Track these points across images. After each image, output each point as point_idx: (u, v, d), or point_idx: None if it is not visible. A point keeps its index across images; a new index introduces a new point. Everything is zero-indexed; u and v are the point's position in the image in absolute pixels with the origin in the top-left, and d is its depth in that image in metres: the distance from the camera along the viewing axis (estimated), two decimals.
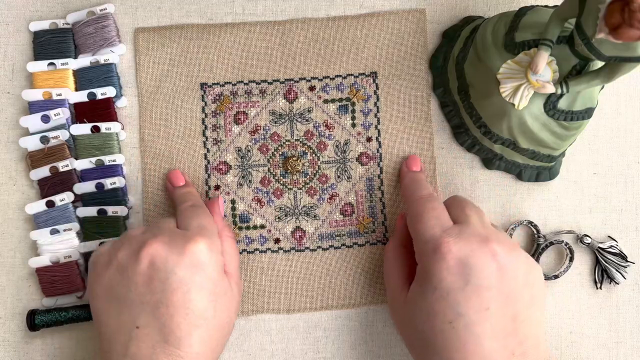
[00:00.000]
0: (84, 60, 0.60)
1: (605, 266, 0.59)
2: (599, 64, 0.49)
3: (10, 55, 0.61)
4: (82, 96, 0.60)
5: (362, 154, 0.60)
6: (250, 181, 0.60)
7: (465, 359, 0.46)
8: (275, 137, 0.61)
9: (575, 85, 0.49)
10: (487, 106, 0.54)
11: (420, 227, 0.50)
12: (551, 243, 0.59)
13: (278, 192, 0.60)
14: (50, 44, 0.60)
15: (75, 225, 0.58)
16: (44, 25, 0.61)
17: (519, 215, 0.60)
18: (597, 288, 0.60)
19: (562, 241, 0.59)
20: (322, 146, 0.60)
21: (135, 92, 0.61)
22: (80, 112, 0.60)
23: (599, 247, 0.59)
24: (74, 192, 0.59)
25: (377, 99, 0.61)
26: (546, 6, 0.56)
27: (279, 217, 0.60)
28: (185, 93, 0.61)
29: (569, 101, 0.52)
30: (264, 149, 0.60)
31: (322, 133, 0.61)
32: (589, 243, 0.59)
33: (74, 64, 0.60)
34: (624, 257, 0.59)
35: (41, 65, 0.60)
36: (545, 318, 0.58)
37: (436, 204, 0.52)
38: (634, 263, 0.59)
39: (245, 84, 0.61)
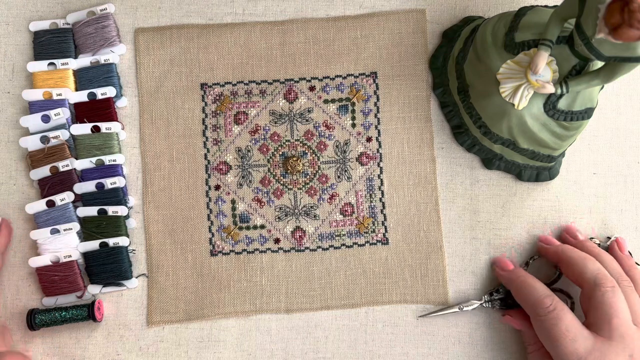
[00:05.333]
0: (84, 60, 0.60)
1: None
2: (599, 64, 0.49)
3: (10, 55, 0.61)
4: (82, 96, 0.60)
5: (362, 154, 0.60)
6: (250, 181, 0.60)
7: None
8: (275, 137, 0.61)
9: (575, 85, 0.49)
10: (487, 106, 0.54)
11: (559, 352, 0.50)
12: None
13: (278, 192, 0.60)
14: (50, 44, 0.60)
15: (76, 225, 0.58)
16: (44, 25, 0.61)
17: (521, 215, 0.60)
18: None
19: None
20: (322, 146, 0.60)
21: (136, 92, 0.61)
22: (81, 112, 0.60)
23: None
24: (74, 192, 0.59)
25: (377, 99, 0.61)
26: (546, 6, 0.56)
27: (279, 217, 0.60)
28: (185, 93, 0.61)
29: (569, 101, 0.52)
30: (264, 149, 0.60)
31: (322, 133, 0.61)
32: None
33: (74, 64, 0.60)
34: None
35: (41, 65, 0.60)
36: None
37: (568, 322, 0.50)
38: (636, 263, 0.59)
39: (245, 84, 0.61)
